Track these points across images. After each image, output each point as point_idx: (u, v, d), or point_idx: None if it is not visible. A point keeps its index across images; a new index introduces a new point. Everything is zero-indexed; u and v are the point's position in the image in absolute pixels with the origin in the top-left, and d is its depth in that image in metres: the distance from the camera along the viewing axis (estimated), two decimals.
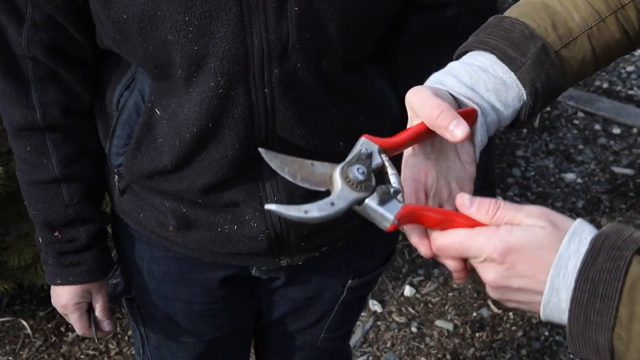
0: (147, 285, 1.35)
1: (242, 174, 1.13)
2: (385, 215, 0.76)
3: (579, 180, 3.33)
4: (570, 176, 3.35)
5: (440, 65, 1.19)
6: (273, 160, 0.79)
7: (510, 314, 2.67)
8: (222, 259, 1.27)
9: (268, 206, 0.74)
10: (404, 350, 2.55)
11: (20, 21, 1.08)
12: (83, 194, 1.24)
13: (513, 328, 2.62)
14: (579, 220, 0.74)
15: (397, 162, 0.83)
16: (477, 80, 0.87)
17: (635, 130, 3.66)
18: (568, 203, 3.20)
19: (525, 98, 0.88)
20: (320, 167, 0.79)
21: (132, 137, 1.15)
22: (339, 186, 0.76)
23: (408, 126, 0.84)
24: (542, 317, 0.75)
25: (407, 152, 0.86)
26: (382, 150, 0.80)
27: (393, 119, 1.20)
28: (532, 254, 0.73)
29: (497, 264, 0.75)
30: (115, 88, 1.16)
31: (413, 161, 0.85)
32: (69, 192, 1.23)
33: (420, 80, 1.13)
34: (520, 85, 0.88)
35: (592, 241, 0.72)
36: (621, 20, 0.94)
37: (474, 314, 2.67)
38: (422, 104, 0.80)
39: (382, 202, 0.76)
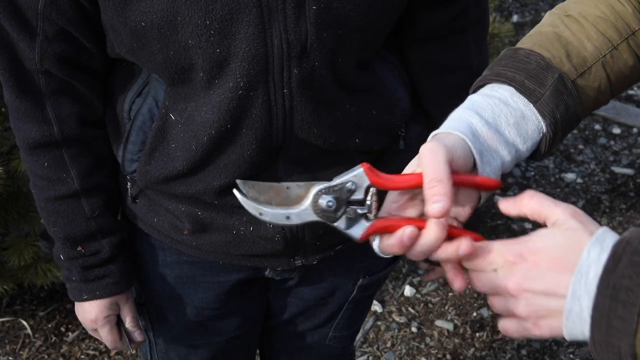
0: (159, 290, 1.35)
1: (258, 174, 1.13)
2: (351, 235, 0.83)
3: (579, 180, 3.33)
4: (570, 176, 3.35)
5: (447, 59, 1.18)
6: (250, 191, 0.84)
7: None
8: (237, 261, 1.26)
9: (235, 190, 0.80)
10: (404, 350, 2.55)
11: (32, 36, 1.07)
12: (103, 205, 1.23)
13: None
14: (603, 229, 0.74)
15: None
16: (499, 115, 0.86)
17: (635, 130, 3.66)
18: (568, 203, 3.20)
19: (544, 130, 0.88)
20: (295, 189, 0.83)
21: (145, 143, 1.14)
22: (304, 206, 0.82)
23: (411, 167, 0.85)
24: (565, 332, 0.74)
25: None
26: (372, 185, 0.82)
27: (404, 110, 1.21)
28: (553, 254, 0.73)
29: (518, 264, 0.75)
30: (126, 96, 1.15)
31: (394, 197, 0.85)
32: (90, 204, 1.22)
33: (430, 69, 1.19)
34: (540, 117, 0.88)
35: (614, 247, 0.71)
36: (633, 47, 0.94)
37: (474, 314, 2.67)
38: (428, 165, 0.80)
39: (349, 226, 0.82)
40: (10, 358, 2.48)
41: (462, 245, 0.78)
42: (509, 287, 0.76)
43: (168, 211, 1.22)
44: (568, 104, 0.90)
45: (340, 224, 0.82)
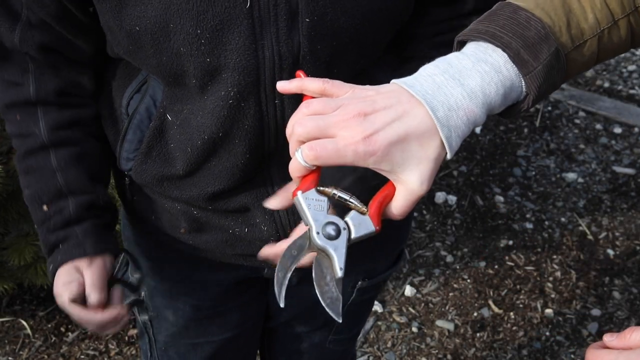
0: (157, 287, 1.35)
1: (251, 179, 1.13)
2: (368, 232, 0.84)
3: (580, 180, 3.33)
4: (571, 176, 3.35)
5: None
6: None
7: (511, 314, 2.66)
8: (234, 260, 1.26)
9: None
10: (404, 350, 2.54)
11: (14, 20, 1.08)
12: (72, 159, 1.17)
13: (514, 328, 2.61)
14: None
15: None
16: (488, 83, 0.84)
17: (636, 129, 3.66)
18: (569, 203, 3.19)
19: (522, 98, 0.87)
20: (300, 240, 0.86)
21: (142, 142, 1.14)
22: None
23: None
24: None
25: None
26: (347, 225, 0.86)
27: None
28: None
29: None
30: (124, 91, 1.15)
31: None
32: (57, 157, 1.16)
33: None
34: (524, 89, 0.86)
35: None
36: (632, 22, 0.92)
37: (475, 314, 2.67)
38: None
39: (358, 230, 0.84)
40: (10, 358, 2.47)
41: None
42: None
43: (165, 210, 1.22)
44: (555, 79, 0.87)
45: (352, 233, 0.84)
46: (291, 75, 1.01)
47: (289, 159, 1.13)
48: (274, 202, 0.99)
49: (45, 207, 1.17)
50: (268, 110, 1.05)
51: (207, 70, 1.01)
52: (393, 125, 0.80)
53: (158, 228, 1.26)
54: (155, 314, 1.39)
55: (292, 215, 1.17)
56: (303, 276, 1.36)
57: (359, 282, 1.40)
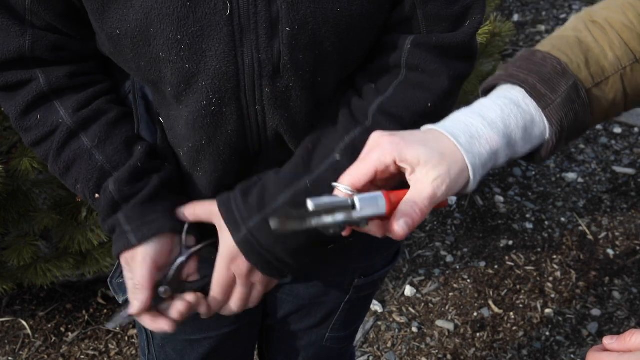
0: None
1: (244, 177, 1.14)
2: (377, 211, 0.83)
3: (580, 180, 3.33)
4: (571, 176, 3.35)
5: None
6: None
7: (511, 314, 2.66)
8: None
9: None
10: (404, 350, 2.54)
11: (22, 24, 1.06)
12: (102, 132, 1.10)
13: (514, 328, 2.61)
14: None
15: None
16: (508, 115, 0.84)
17: (636, 129, 3.66)
18: (569, 203, 3.19)
19: (547, 136, 0.86)
20: None
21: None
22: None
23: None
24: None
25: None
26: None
27: None
28: None
29: None
30: (122, 87, 1.16)
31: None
32: (88, 137, 1.09)
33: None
34: (547, 124, 0.85)
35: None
36: None
37: (475, 314, 2.67)
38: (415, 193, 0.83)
39: (363, 207, 0.83)
40: (10, 358, 2.47)
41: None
42: None
43: None
44: (578, 113, 0.87)
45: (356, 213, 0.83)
46: (272, 83, 1.02)
47: (276, 158, 1.13)
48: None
49: (97, 196, 1.09)
50: (249, 114, 1.06)
51: (185, 77, 1.02)
52: None
53: None
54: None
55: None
56: (298, 274, 1.36)
57: (356, 280, 1.40)
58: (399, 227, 0.82)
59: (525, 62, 0.89)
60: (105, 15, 1.00)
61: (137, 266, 1.07)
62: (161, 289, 1.07)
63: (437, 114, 0.99)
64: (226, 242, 1.08)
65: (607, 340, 0.82)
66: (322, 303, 1.43)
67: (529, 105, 0.85)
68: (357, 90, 1.11)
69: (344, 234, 0.88)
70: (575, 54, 0.89)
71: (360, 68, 1.12)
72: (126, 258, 1.08)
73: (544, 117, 0.85)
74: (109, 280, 1.45)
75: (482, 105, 0.87)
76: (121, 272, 1.41)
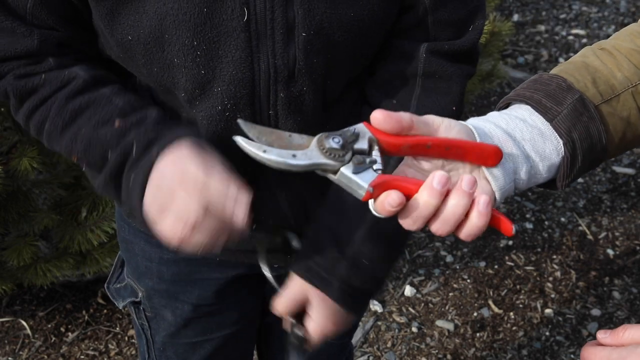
0: (155, 287, 1.34)
1: (255, 181, 1.13)
2: (360, 183, 0.76)
3: (580, 180, 3.33)
4: None
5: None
6: (251, 130, 0.79)
7: (511, 314, 2.66)
8: (235, 257, 1.26)
9: (235, 137, 0.75)
10: (404, 350, 2.54)
11: (26, 24, 1.04)
12: (121, 89, 1.05)
13: (514, 328, 2.61)
14: None
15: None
16: (513, 128, 0.85)
17: None
18: (569, 203, 3.19)
19: (562, 151, 0.85)
20: (297, 138, 0.79)
21: None
22: (310, 148, 0.78)
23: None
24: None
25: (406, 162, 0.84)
26: (375, 140, 0.79)
27: None
28: None
29: None
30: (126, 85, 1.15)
31: (408, 172, 0.82)
32: (108, 88, 1.04)
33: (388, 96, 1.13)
34: (558, 137, 0.85)
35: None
36: None
37: (475, 314, 2.67)
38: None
39: (357, 170, 0.77)
40: (9, 358, 2.47)
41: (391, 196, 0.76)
42: None
43: None
44: (589, 127, 0.86)
45: (348, 169, 0.77)
46: (286, 88, 1.02)
47: None
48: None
49: (117, 123, 0.99)
50: (262, 119, 1.06)
51: (200, 83, 1.01)
52: None
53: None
54: (153, 314, 1.39)
55: (294, 207, 1.17)
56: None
57: None
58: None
59: (532, 83, 0.90)
60: (116, 20, 0.99)
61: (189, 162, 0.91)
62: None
63: (459, 116, 1.01)
64: (326, 305, 1.10)
65: (601, 335, 0.82)
66: None
67: (535, 120, 0.85)
68: (374, 106, 1.09)
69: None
70: (582, 75, 0.89)
71: (370, 79, 1.13)
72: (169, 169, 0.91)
73: (554, 132, 0.85)
74: (106, 285, 1.44)
75: (492, 116, 0.88)
76: (118, 277, 1.42)
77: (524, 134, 0.85)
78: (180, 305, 1.36)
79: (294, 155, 0.76)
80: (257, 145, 0.76)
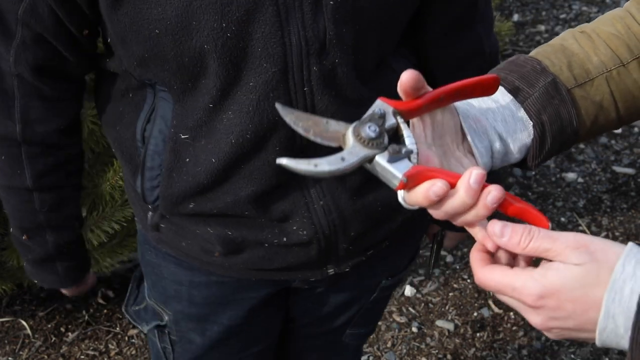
0: (185, 311, 1.32)
1: (285, 182, 1.10)
2: (394, 173, 0.76)
3: (580, 180, 3.33)
4: (571, 176, 3.35)
5: (461, 53, 1.26)
6: (288, 115, 0.79)
7: (511, 313, 2.66)
8: (270, 276, 1.23)
9: (279, 160, 0.74)
10: (404, 350, 2.54)
11: (9, 39, 1.06)
12: (54, 203, 1.26)
13: (514, 328, 2.62)
14: (631, 244, 0.71)
15: None
16: (485, 110, 0.85)
17: (636, 129, 3.66)
18: (569, 203, 3.19)
19: (532, 133, 0.86)
20: (334, 125, 0.79)
21: (162, 166, 1.11)
22: (351, 143, 0.77)
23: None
24: (598, 343, 0.71)
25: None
26: (397, 112, 0.79)
27: None
28: (573, 294, 0.70)
29: (537, 308, 0.72)
30: (136, 124, 1.13)
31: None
32: (40, 200, 1.24)
33: (447, 65, 1.26)
34: (529, 119, 0.86)
35: None
36: None
37: (475, 314, 2.67)
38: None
39: (393, 160, 0.76)
40: (10, 358, 2.47)
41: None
42: (537, 324, 0.74)
43: (197, 235, 1.18)
44: (559, 110, 0.87)
45: (383, 158, 0.76)
46: (319, 61, 1.00)
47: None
48: None
49: (24, 237, 1.27)
50: (297, 98, 1.02)
51: (233, 65, 0.98)
52: None
53: (188, 254, 1.23)
54: (179, 337, 1.36)
55: (329, 215, 1.14)
56: (331, 283, 1.32)
57: (383, 281, 1.39)
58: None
59: (507, 64, 0.90)
60: (140, 17, 0.97)
61: (78, 289, 1.51)
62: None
63: None
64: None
65: (496, 229, 0.74)
66: (351, 307, 1.42)
67: (507, 101, 0.86)
68: None
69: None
70: (558, 58, 0.90)
71: (438, 67, 1.24)
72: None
73: (525, 113, 0.86)
74: (124, 308, 1.42)
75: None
76: (135, 298, 1.40)
77: (496, 114, 0.86)
78: (210, 327, 1.33)
79: (342, 159, 0.76)
80: (306, 162, 0.75)
